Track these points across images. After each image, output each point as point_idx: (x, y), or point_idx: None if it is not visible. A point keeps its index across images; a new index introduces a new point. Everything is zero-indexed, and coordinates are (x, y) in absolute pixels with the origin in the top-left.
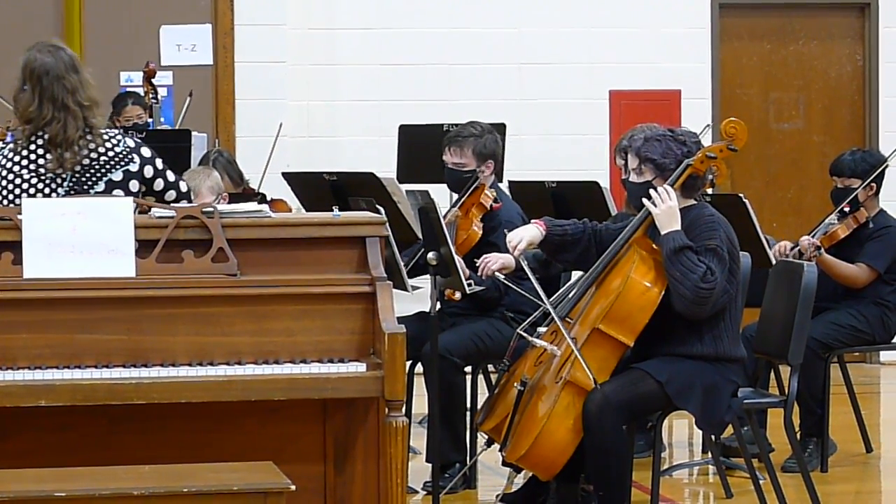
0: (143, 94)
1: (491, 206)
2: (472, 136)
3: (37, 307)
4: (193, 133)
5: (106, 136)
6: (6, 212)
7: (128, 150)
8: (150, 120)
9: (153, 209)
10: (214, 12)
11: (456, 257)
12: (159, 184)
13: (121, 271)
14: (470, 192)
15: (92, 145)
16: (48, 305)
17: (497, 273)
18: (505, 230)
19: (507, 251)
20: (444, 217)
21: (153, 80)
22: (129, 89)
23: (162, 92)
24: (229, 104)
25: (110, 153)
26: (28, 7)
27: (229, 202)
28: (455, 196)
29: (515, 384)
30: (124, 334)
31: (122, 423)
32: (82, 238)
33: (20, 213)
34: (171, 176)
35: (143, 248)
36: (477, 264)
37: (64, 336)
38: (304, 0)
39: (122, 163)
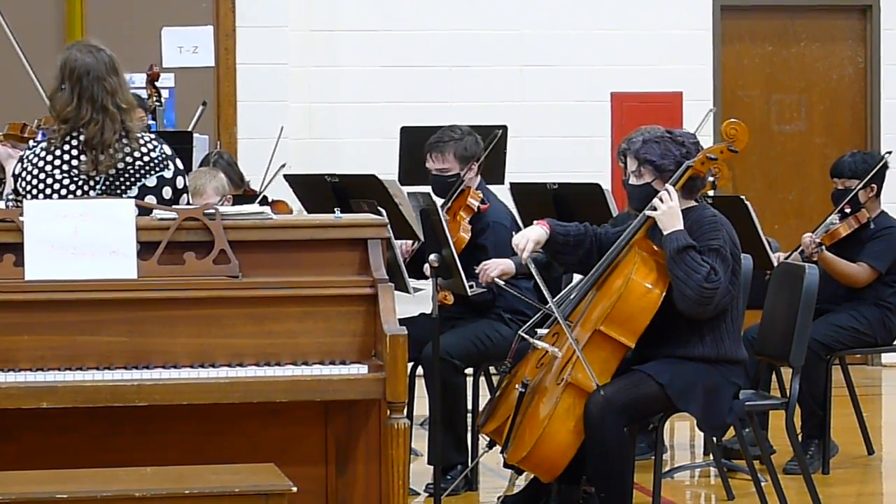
0: (146, 96)
1: (478, 207)
2: (453, 141)
3: (38, 309)
4: (195, 135)
5: (142, 141)
6: (8, 213)
7: (164, 156)
8: (153, 123)
9: (155, 211)
10: (216, 14)
11: (457, 259)
12: (184, 199)
13: (122, 273)
14: (456, 195)
15: (127, 149)
16: (50, 307)
17: (497, 279)
18: (495, 231)
19: (497, 254)
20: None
21: (156, 83)
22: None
23: (164, 94)
24: (231, 106)
25: (146, 158)
26: (30, 9)
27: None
28: (441, 202)
29: (517, 386)
30: (126, 336)
31: (123, 425)
32: (84, 240)
33: (22, 215)
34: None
35: (145, 249)
36: (476, 271)
37: (65, 338)
38: (306, 2)
39: (157, 169)
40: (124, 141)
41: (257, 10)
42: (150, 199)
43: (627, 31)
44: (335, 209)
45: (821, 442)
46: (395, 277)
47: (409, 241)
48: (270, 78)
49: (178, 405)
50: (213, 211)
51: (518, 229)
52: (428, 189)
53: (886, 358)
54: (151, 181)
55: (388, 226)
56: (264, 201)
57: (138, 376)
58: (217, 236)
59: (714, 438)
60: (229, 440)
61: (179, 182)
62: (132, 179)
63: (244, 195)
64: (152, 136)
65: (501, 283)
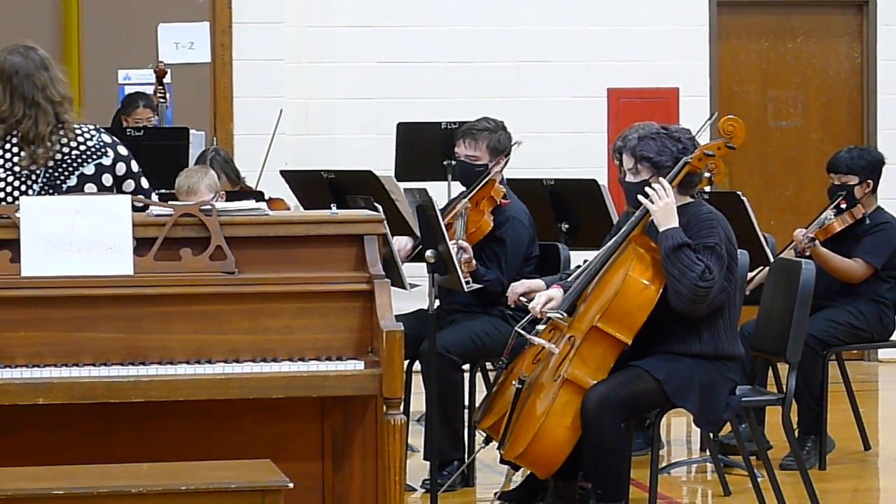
0: (152, 93)
1: (500, 201)
2: (487, 131)
3: (34, 305)
4: (191, 131)
5: (79, 131)
6: (4, 210)
7: (101, 143)
8: (155, 120)
9: (151, 207)
10: (212, 10)
11: (453, 255)
12: (129, 185)
13: (119, 269)
14: (481, 185)
15: (64, 140)
16: (46, 303)
17: (521, 298)
18: (514, 226)
19: (515, 248)
20: (454, 208)
21: (164, 80)
22: (137, 90)
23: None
24: (227, 102)
25: (82, 147)
26: (26, 6)
27: (226, 200)
28: (461, 189)
29: (514, 382)
30: (122, 332)
31: (119, 421)
32: (80, 236)
33: (18, 211)
34: (144, 182)
35: (141, 245)
36: (529, 307)
37: (62, 334)
38: None
39: (95, 156)
40: (60, 133)
41: (253, 7)
42: (90, 188)
43: (624, 26)
44: (331, 205)
45: (817, 438)
46: (391, 273)
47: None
48: (266, 74)
49: (174, 401)
50: (209, 207)
51: (534, 228)
52: (424, 185)
53: (883, 353)
54: (89, 169)
55: (385, 222)
56: (261, 197)
57: (134, 372)
58: (213, 232)
59: (711, 434)
60: (225, 436)
61: (120, 168)
62: (70, 169)
63: (240, 191)
64: (91, 126)
65: (525, 300)
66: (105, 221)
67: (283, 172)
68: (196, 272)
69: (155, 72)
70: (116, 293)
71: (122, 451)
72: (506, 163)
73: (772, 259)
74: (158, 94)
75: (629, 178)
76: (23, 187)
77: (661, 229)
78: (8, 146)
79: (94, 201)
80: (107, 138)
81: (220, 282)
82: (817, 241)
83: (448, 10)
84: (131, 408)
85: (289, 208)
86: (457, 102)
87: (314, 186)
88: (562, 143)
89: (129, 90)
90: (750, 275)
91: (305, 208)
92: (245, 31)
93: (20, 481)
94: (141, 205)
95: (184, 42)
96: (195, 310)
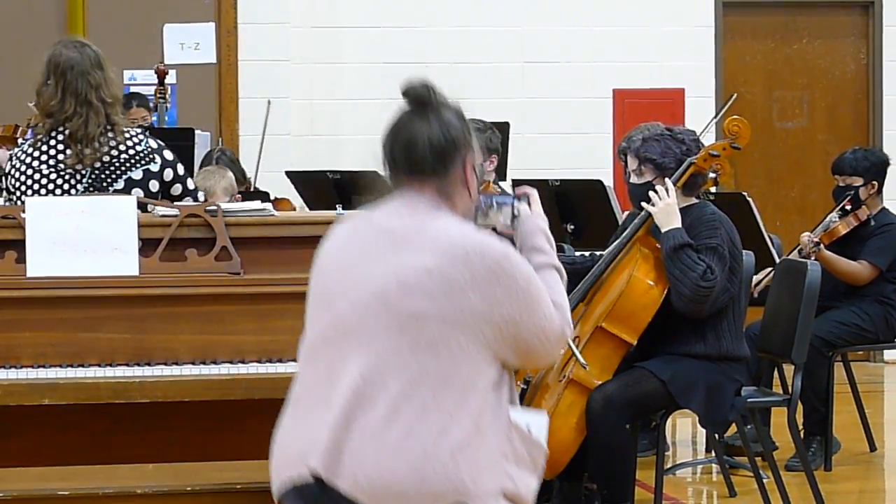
0: (153, 93)
1: None
2: (478, 131)
3: (40, 306)
4: (197, 131)
5: (128, 135)
6: (10, 210)
7: (150, 149)
8: (154, 120)
9: (156, 207)
10: (218, 11)
11: None
12: (177, 188)
13: (124, 270)
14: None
15: (113, 142)
16: (51, 304)
17: None
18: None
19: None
20: None
21: (165, 81)
22: (133, 90)
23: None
24: (233, 102)
25: (131, 151)
26: (31, 5)
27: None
28: None
29: (518, 383)
30: (128, 333)
31: (125, 422)
32: (86, 236)
33: (24, 212)
34: (190, 183)
35: (147, 246)
36: None
37: (67, 335)
38: None
39: (143, 162)
40: (109, 135)
41: (259, 7)
42: (137, 192)
43: (629, 27)
44: (337, 206)
45: (823, 438)
46: None
47: None
48: (272, 74)
49: (179, 402)
50: (214, 207)
51: None
52: None
53: (888, 354)
54: (137, 174)
55: None
56: (266, 198)
57: (140, 373)
58: (219, 233)
59: (716, 435)
60: (231, 437)
61: (168, 174)
62: (118, 172)
63: (245, 192)
64: (138, 129)
65: None
66: (110, 222)
67: (288, 173)
68: (201, 273)
69: (156, 72)
70: (122, 293)
71: (127, 451)
72: (497, 162)
73: (777, 260)
74: (159, 94)
75: (633, 179)
76: (66, 185)
77: (662, 230)
78: (53, 142)
79: (99, 202)
80: (153, 143)
81: (225, 282)
82: (822, 245)
83: (454, 11)
84: (137, 408)
85: (294, 209)
86: (463, 103)
87: (320, 187)
88: (567, 143)
89: (134, 91)
90: (757, 277)
91: (311, 209)
92: (251, 31)
93: (26, 482)
94: (147, 205)
95: (189, 42)
96: (201, 310)
